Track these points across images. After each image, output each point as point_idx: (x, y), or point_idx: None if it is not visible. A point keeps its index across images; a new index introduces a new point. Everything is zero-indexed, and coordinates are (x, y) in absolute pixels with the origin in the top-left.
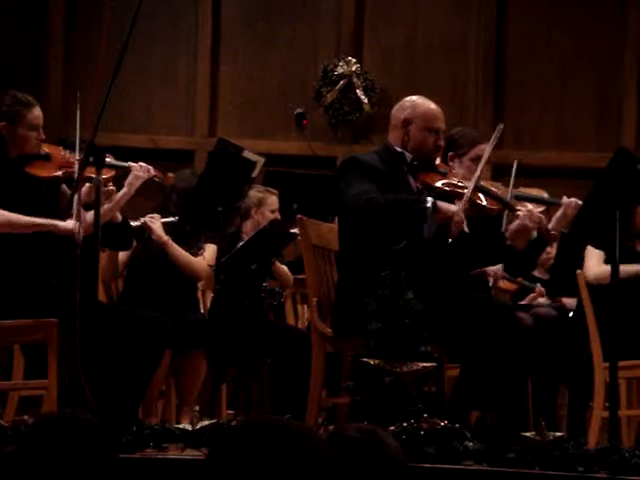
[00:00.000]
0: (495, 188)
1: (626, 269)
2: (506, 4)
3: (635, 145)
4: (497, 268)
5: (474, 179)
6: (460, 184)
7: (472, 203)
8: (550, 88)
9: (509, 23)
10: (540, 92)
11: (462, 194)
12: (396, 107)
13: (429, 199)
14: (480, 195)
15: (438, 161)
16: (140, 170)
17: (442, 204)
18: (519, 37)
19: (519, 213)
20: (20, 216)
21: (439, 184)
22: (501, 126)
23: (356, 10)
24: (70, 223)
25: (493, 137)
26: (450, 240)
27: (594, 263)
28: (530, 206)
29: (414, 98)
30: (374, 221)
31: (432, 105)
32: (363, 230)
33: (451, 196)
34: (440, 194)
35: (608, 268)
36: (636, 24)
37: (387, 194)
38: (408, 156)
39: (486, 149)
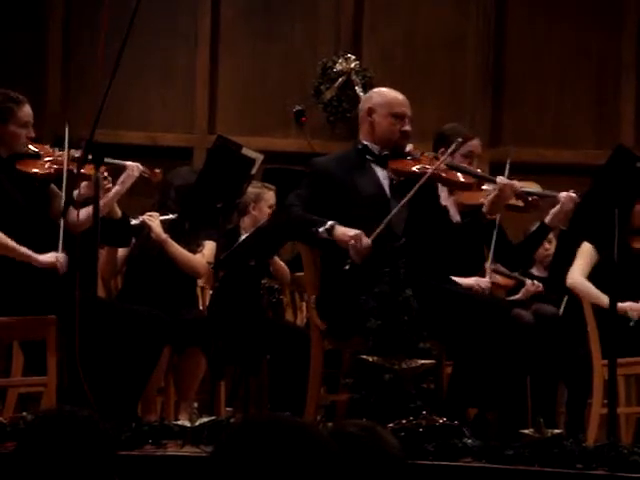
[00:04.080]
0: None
1: (592, 295)
2: (505, 1)
3: (634, 143)
4: (485, 282)
5: (442, 158)
6: (431, 165)
7: (442, 179)
8: (548, 85)
9: (508, 20)
10: (538, 89)
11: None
12: (362, 100)
13: (329, 223)
14: (452, 172)
15: (410, 147)
16: (134, 169)
17: (339, 229)
18: (518, 35)
19: (497, 181)
20: (7, 239)
21: (410, 169)
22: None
23: (355, 7)
24: (50, 256)
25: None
26: (347, 267)
27: (578, 270)
28: (505, 179)
29: (379, 88)
30: (282, 234)
31: (396, 93)
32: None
33: (420, 177)
34: (410, 177)
35: (583, 283)
36: (634, 21)
37: (300, 210)
38: (375, 147)
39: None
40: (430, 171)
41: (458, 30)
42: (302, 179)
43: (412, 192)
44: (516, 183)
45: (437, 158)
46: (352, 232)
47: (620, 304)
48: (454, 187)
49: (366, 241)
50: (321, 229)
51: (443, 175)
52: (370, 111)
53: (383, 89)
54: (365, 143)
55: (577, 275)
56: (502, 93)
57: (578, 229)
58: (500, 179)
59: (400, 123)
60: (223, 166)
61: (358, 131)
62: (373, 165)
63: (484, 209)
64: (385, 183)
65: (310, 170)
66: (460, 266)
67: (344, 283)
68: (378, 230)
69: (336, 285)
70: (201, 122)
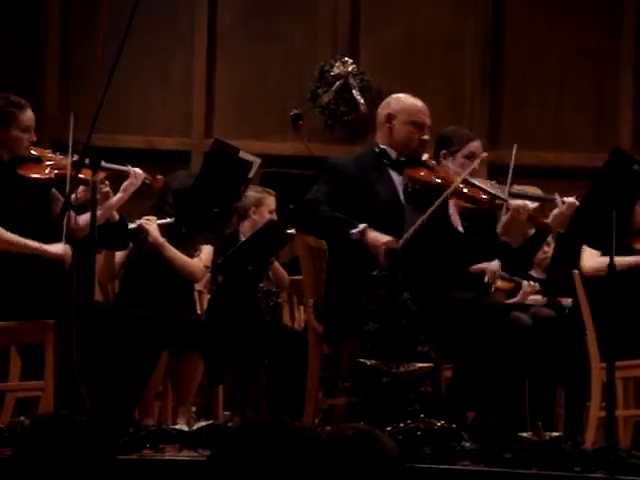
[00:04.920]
0: (489, 184)
1: (621, 260)
2: (503, 3)
3: (632, 145)
4: (495, 267)
5: (464, 174)
6: (447, 178)
7: (460, 194)
8: (547, 87)
9: (506, 22)
10: (537, 91)
11: (447, 187)
12: (381, 105)
13: (361, 226)
14: (469, 188)
15: (426, 156)
16: (136, 176)
17: (371, 233)
18: (517, 36)
19: (511, 203)
20: (14, 236)
21: (427, 179)
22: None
23: (352, 10)
24: (59, 247)
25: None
26: (375, 272)
27: (589, 256)
28: (520, 200)
29: (398, 94)
30: (305, 228)
31: (416, 100)
32: None
33: (437, 189)
34: (426, 186)
35: (604, 260)
36: (633, 24)
37: (328, 209)
38: (392, 152)
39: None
40: (455, 184)
41: (456, 31)
42: (318, 176)
43: (438, 202)
44: (529, 204)
45: (451, 169)
46: (385, 238)
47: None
48: (471, 204)
49: (397, 247)
50: (354, 231)
51: (465, 191)
52: (390, 117)
53: (402, 95)
54: (382, 147)
55: (591, 259)
56: (501, 94)
57: (576, 232)
58: (516, 204)
59: (419, 132)
60: (220, 170)
61: (364, 133)
62: (389, 170)
63: (499, 231)
64: (400, 189)
65: (328, 168)
66: (461, 273)
67: (347, 287)
68: (406, 236)
69: (335, 289)
70: (198, 126)
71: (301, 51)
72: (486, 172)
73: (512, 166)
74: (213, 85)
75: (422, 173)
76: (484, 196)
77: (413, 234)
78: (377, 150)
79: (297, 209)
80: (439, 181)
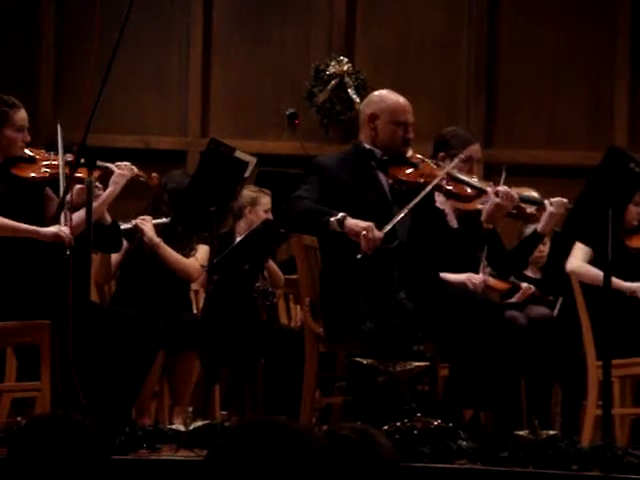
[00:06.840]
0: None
1: (590, 273)
2: (497, 3)
3: (627, 143)
4: (478, 279)
5: (446, 168)
6: (431, 174)
7: (445, 191)
8: (541, 87)
9: (501, 22)
10: (531, 91)
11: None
12: (363, 103)
13: (340, 214)
14: (453, 183)
15: (411, 152)
16: (123, 169)
17: (350, 221)
18: (511, 36)
19: (496, 189)
20: (6, 219)
21: (410, 178)
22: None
23: (347, 9)
24: (54, 228)
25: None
26: (359, 256)
27: (577, 257)
28: (505, 187)
29: (381, 92)
30: (286, 224)
31: (399, 98)
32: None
33: (422, 186)
34: (412, 187)
35: (586, 268)
36: (627, 23)
37: (307, 202)
38: (377, 152)
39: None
40: (434, 182)
41: (451, 32)
42: (306, 177)
43: (418, 199)
44: (515, 195)
45: (438, 165)
46: (364, 224)
47: (629, 284)
48: (455, 199)
49: (378, 233)
50: (332, 219)
51: (444, 186)
52: (372, 117)
53: (385, 93)
54: (368, 147)
55: (575, 260)
56: (495, 95)
57: (572, 230)
58: (502, 190)
59: (403, 130)
60: (216, 169)
61: (358, 132)
62: (376, 170)
63: (482, 218)
64: (387, 189)
65: (315, 169)
66: (455, 269)
67: (341, 284)
68: (390, 224)
69: (331, 287)
70: (194, 125)
71: (296, 50)
72: (482, 172)
73: (502, 182)
74: (209, 84)
75: (407, 172)
76: (469, 190)
77: (397, 222)
78: (363, 150)
79: (280, 207)
80: (422, 180)
